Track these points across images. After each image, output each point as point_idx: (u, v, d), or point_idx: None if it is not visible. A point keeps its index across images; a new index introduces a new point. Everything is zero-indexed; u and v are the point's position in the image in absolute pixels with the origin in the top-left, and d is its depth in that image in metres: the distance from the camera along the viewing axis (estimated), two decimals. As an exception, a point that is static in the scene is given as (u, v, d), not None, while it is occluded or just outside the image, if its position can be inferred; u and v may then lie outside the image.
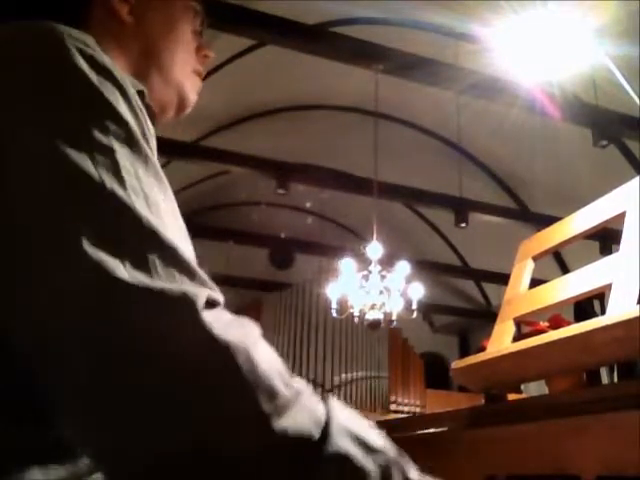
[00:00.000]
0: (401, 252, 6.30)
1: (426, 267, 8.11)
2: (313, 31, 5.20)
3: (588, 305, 1.13)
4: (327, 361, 9.48)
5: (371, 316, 5.29)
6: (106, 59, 0.49)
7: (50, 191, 0.42)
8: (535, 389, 2.30)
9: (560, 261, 8.19)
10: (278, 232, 8.99)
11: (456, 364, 1.08)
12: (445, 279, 10.22)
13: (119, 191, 0.42)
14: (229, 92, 6.66)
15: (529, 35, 5.17)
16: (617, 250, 0.87)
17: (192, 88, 0.73)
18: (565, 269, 7.84)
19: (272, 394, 0.40)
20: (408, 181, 7.00)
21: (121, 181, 0.43)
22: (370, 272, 5.35)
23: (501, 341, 1.03)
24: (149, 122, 0.51)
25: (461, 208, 6.81)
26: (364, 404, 9.46)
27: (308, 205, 9.79)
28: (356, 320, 5.50)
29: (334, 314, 5.57)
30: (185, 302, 0.40)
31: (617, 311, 0.79)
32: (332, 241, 8.91)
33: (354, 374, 9.61)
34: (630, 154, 6.69)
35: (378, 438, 0.44)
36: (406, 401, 9.76)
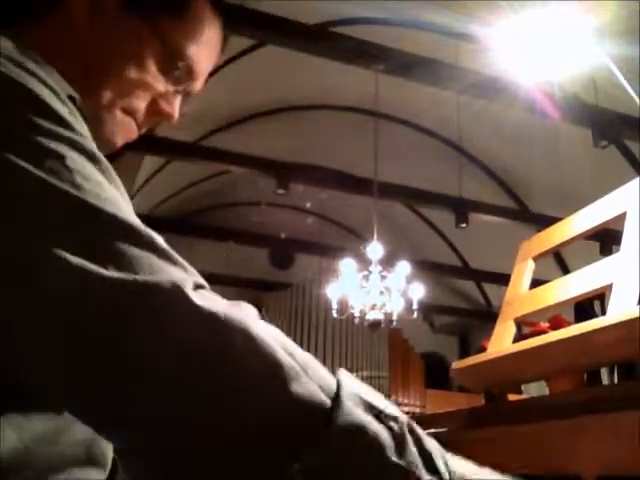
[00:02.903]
0: (401, 252, 6.30)
1: (426, 267, 8.11)
2: (313, 31, 5.20)
3: (588, 306, 1.13)
4: (327, 361, 9.48)
5: (371, 316, 5.29)
6: (24, 59, 0.48)
7: (6, 206, 0.41)
8: (535, 389, 2.29)
9: (560, 261, 8.19)
10: (278, 232, 9.00)
11: (456, 364, 1.08)
12: (445, 279, 10.22)
13: (84, 195, 0.42)
14: (229, 92, 6.66)
15: (529, 35, 5.17)
16: (617, 251, 0.87)
17: (114, 127, 0.65)
18: (565, 270, 7.84)
19: (276, 365, 0.40)
20: (408, 181, 7.00)
21: (79, 187, 0.42)
22: (370, 272, 5.35)
23: (501, 342, 1.03)
24: (85, 124, 0.50)
25: (461, 208, 6.81)
26: (364, 404, 9.46)
27: (308, 205, 9.78)
28: (356, 320, 5.50)
29: (334, 314, 5.57)
30: (176, 289, 0.40)
31: (617, 312, 0.79)
32: (332, 241, 8.91)
33: (354, 374, 9.56)
34: (630, 154, 6.69)
35: (391, 406, 0.44)
36: (406, 401, 9.76)
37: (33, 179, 0.41)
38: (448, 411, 1.08)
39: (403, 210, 9.46)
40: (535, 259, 1.11)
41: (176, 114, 0.69)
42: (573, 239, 1.03)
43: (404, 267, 5.33)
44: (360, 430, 0.40)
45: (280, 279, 10.18)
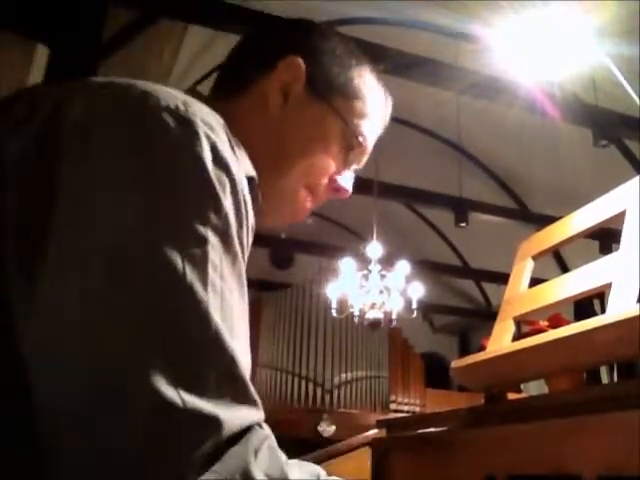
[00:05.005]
0: (401, 252, 6.29)
1: (426, 267, 8.10)
2: (313, 31, 5.19)
3: (588, 304, 1.13)
4: (327, 361, 9.48)
5: (371, 316, 5.28)
6: (226, 149, 0.49)
7: (124, 274, 0.41)
8: (535, 388, 2.30)
9: (560, 260, 8.19)
10: (278, 232, 8.99)
11: (456, 363, 1.08)
12: (445, 279, 10.22)
13: (197, 287, 0.42)
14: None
15: (529, 35, 5.17)
16: (617, 249, 0.87)
17: (295, 206, 0.69)
18: (565, 268, 7.84)
19: None
20: (408, 181, 6.99)
21: (204, 276, 0.43)
22: (370, 272, 5.35)
23: (501, 340, 1.03)
24: (251, 213, 0.51)
25: (461, 208, 6.81)
26: (364, 404, 9.46)
27: (308, 205, 9.78)
28: (356, 320, 5.49)
29: (334, 314, 5.57)
30: (222, 429, 0.41)
31: (617, 310, 0.79)
32: (332, 241, 8.91)
33: (354, 374, 9.61)
34: (630, 154, 6.68)
35: None
36: (406, 401, 9.76)
37: (164, 256, 0.42)
38: (448, 410, 1.08)
39: (403, 210, 9.46)
40: (534, 258, 1.11)
41: (350, 190, 0.73)
42: (572, 238, 1.03)
43: (403, 266, 5.33)
44: None
45: (280, 279, 10.17)
